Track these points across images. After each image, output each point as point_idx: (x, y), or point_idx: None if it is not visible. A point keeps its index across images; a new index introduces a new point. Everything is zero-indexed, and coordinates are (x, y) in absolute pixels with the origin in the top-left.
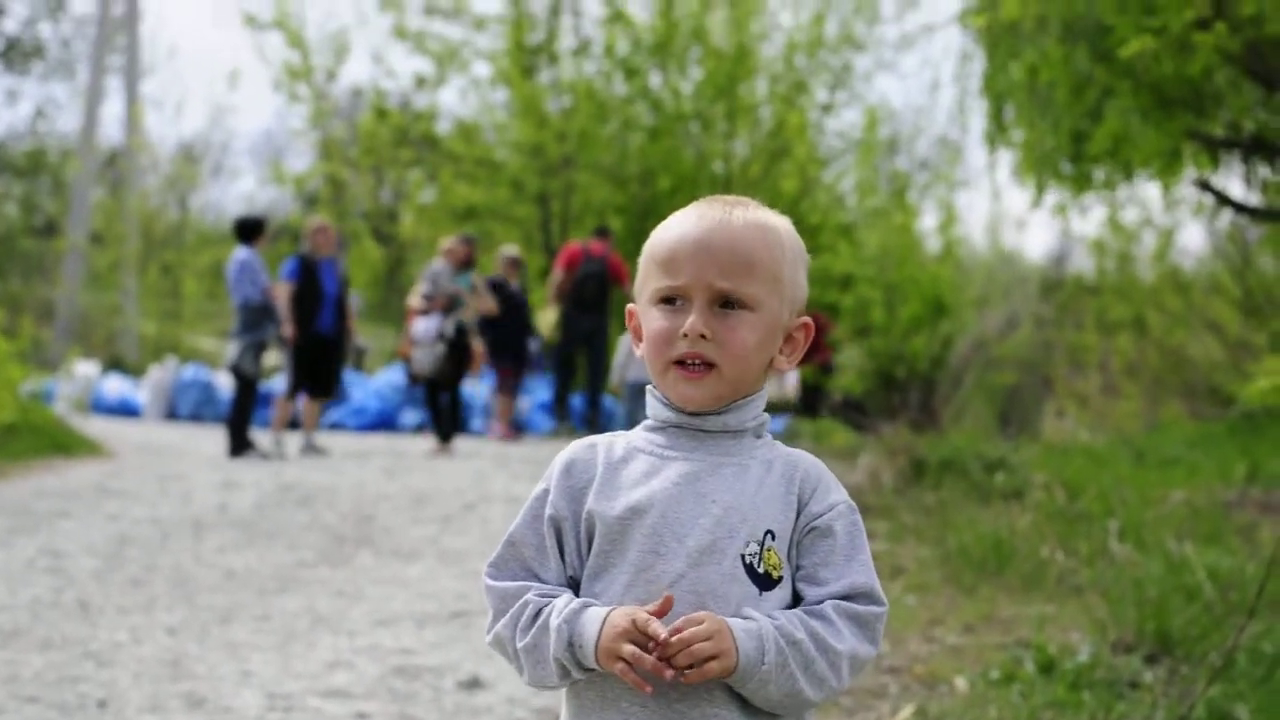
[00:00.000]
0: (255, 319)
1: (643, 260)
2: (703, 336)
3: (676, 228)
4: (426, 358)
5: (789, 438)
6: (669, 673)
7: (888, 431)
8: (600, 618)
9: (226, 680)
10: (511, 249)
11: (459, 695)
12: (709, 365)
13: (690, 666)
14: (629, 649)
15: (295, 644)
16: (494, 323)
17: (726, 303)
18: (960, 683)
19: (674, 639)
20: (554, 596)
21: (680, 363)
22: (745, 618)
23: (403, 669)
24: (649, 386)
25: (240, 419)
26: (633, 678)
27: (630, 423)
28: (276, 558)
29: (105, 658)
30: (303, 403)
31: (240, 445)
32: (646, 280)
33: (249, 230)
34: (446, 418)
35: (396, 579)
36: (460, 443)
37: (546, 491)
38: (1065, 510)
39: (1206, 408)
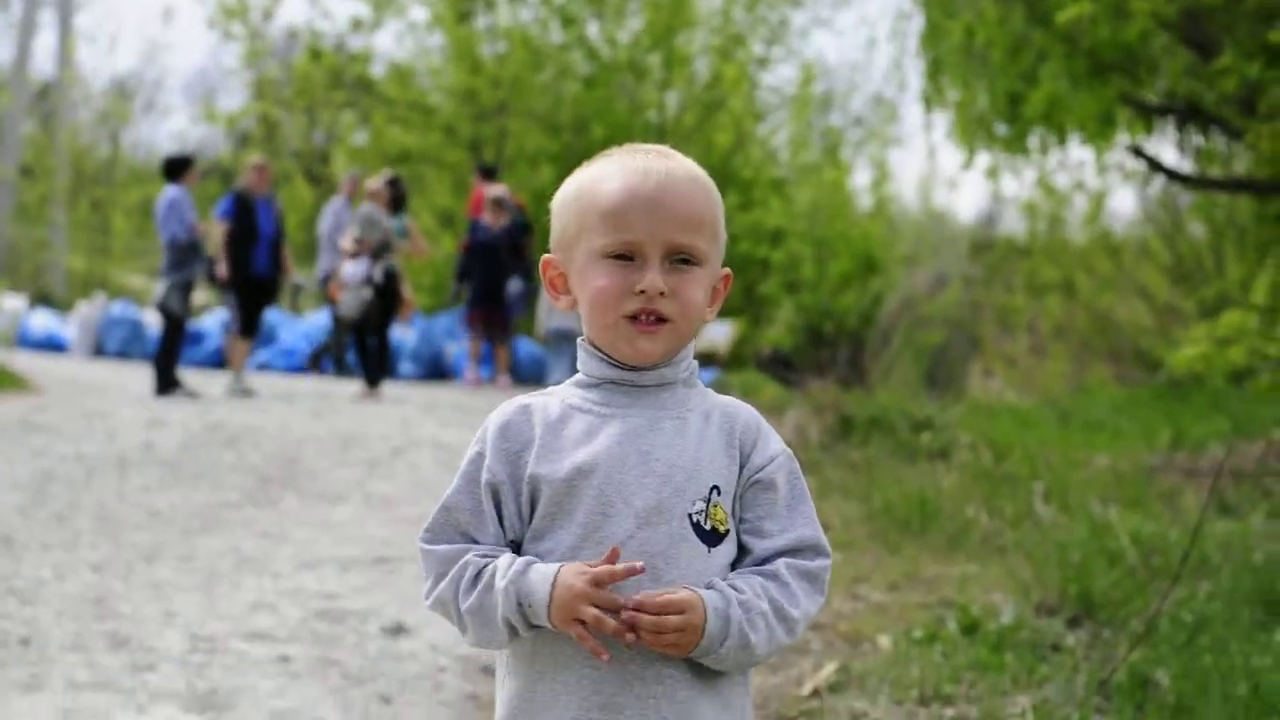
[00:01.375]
0: (182, 257)
1: (570, 210)
2: (661, 294)
3: (619, 179)
4: (353, 301)
5: (718, 390)
6: (630, 636)
7: (816, 387)
8: (549, 576)
9: (150, 620)
10: (495, 190)
11: (383, 640)
12: (662, 320)
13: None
14: (591, 612)
15: (219, 585)
16: (467, 266)
17: (679, 258)
18: (884, 641)
19: (647, 619)
20: (494, 557)
21: (634, 318)
22: (714, 588)
23: (326, 613)
24: (581, 341)
25: (167, 358)
26: (591, 643)
27: (555, 369)
28: (201, 497)
29: (28, 594)
30: (234, 342)
31: (166, 384)
32: (584, 234)
33: (177, 168)
34: (374, 362)
35: (322, 522)
36: (386, 388)
37: (481, 455)
38: (991, 471)
39: (1133, 372)
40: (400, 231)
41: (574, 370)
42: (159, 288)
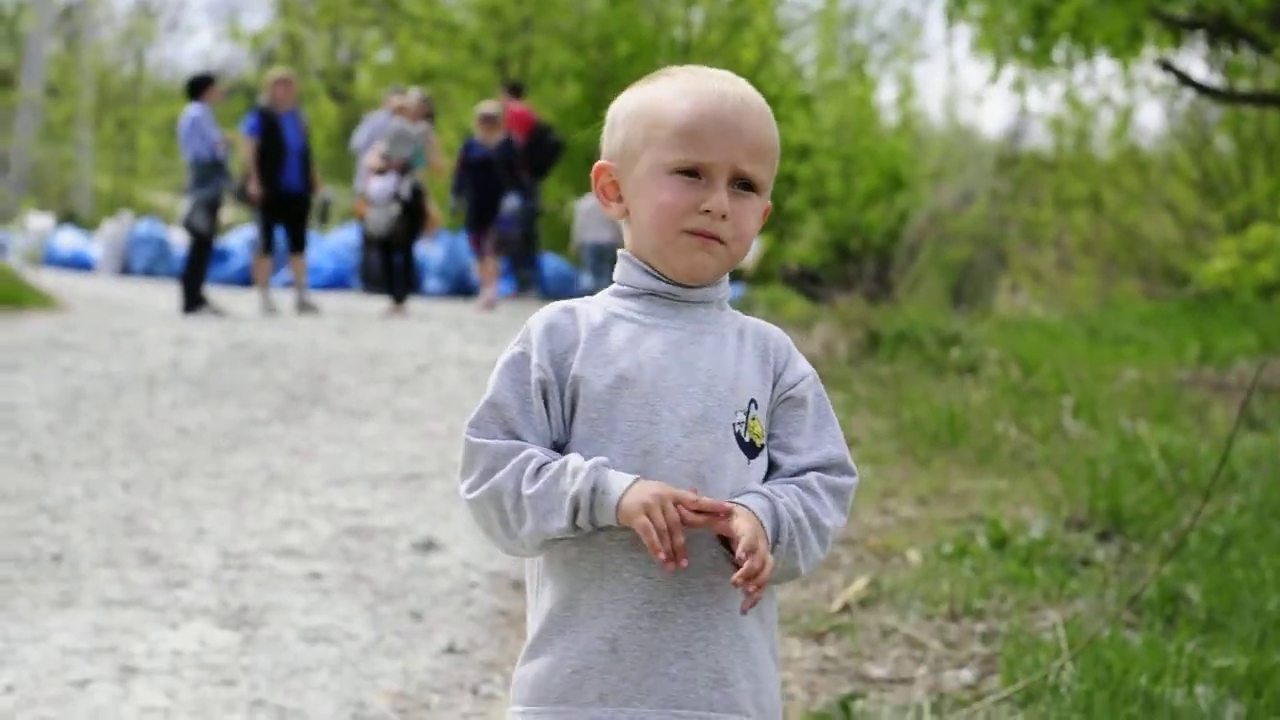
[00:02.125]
0: (206, 175)
1: (640, 121)
2: (723, 216)
3: (692, 99)
4: (381, 218)
5: (745, 306)
6: (681, 563)
7: (842, 303)
8: (626, 478)
9: (181, 537)
10: (485, 105)
11: (413, 557)
12: (721, 241)
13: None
14: (662, 519)
15: (249, 502)
16: (461, 185)
17: (743, 184)
18: (913, 555)
19: (752, 570)
20: (556, 457)
21: (693, 234)
22: (754, 492)
23: (356, 529)
24: (623, 251)
25: (193, 276)
26: (652, 539)
27: (593, 281)
28: (230, 415)
29: (60, 512)
30: (258, 260)
31: (193, 302)
32: (650, 146)
33: (199, 86)
34: (400, 279)
35: (350, 438)
36: (413, 305)
37: (525, 355)
38: (1019, 386)
39: (1161, 287)
40: (418, 149)
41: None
42: (184, 206)
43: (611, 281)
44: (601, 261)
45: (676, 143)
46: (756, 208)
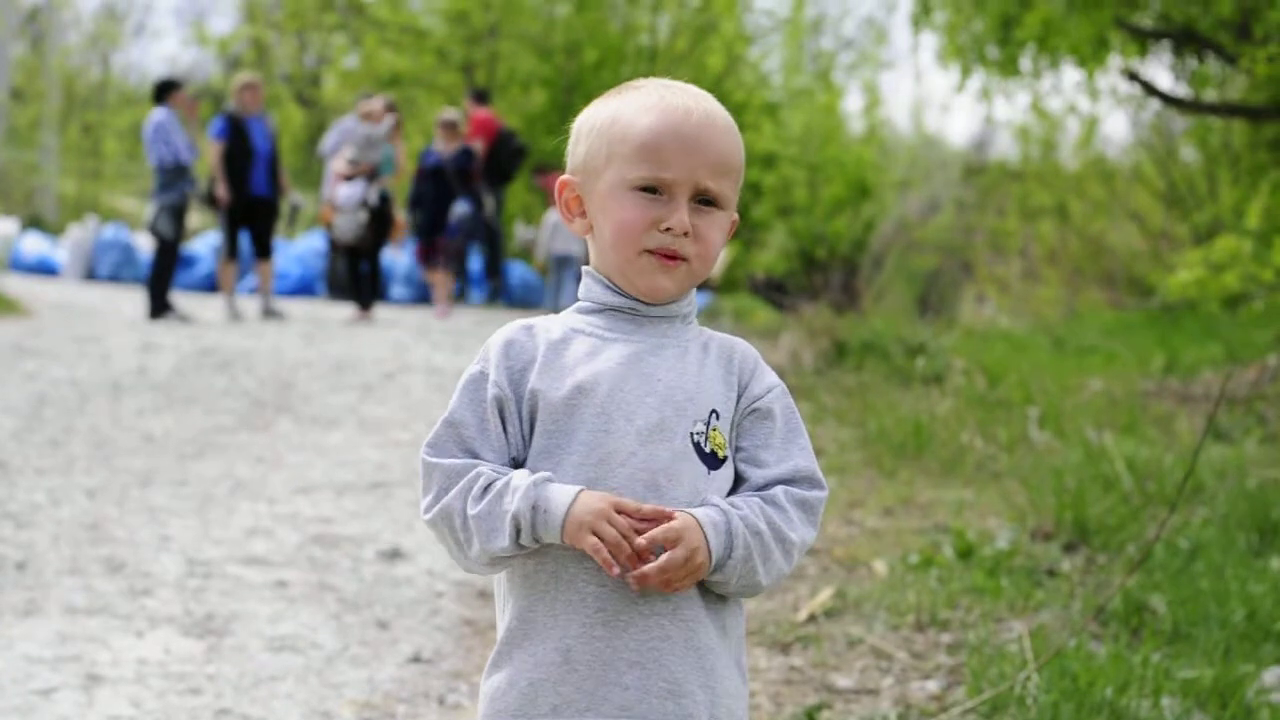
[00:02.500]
0: (170, 180)
1: (604, 138)
2: (685, 234)
3: (655, 115)
4: (349, 224)
5: (711, 315)
6: (632, 577)
7: (809, 312)
8: (570, 491)
9: (146, 545)
10: (446, 112)
11: (379, 565)
12: (682, 259)
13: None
14: (611, 531)
15: (214, 509)
16: (417, 195)
17: (705, 200)
18: (879, 566)
19: (652, 571)
20: (504, 474)
21: (653, 253)
22: (709, 504)
23: (322, 538)
24: (586, 268)
25: (158, 281)
26: (604, 556)
27: (555, 294)
28: (195, 422)
29: (23, 519)
30: (223, 266)
31: (159, 307)
32: (613, 162)
33: (164, 91)
34: (366, 286)
35: (316, 447)
36: (379, 312)
37: (484, 374)
38: (985, 396)
39: (1126, 297)
40: (388, 154)
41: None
42: (148, 211)
43: (574, 294)
44: (564, 273)
45: (638, 159)
46: (720, 223)
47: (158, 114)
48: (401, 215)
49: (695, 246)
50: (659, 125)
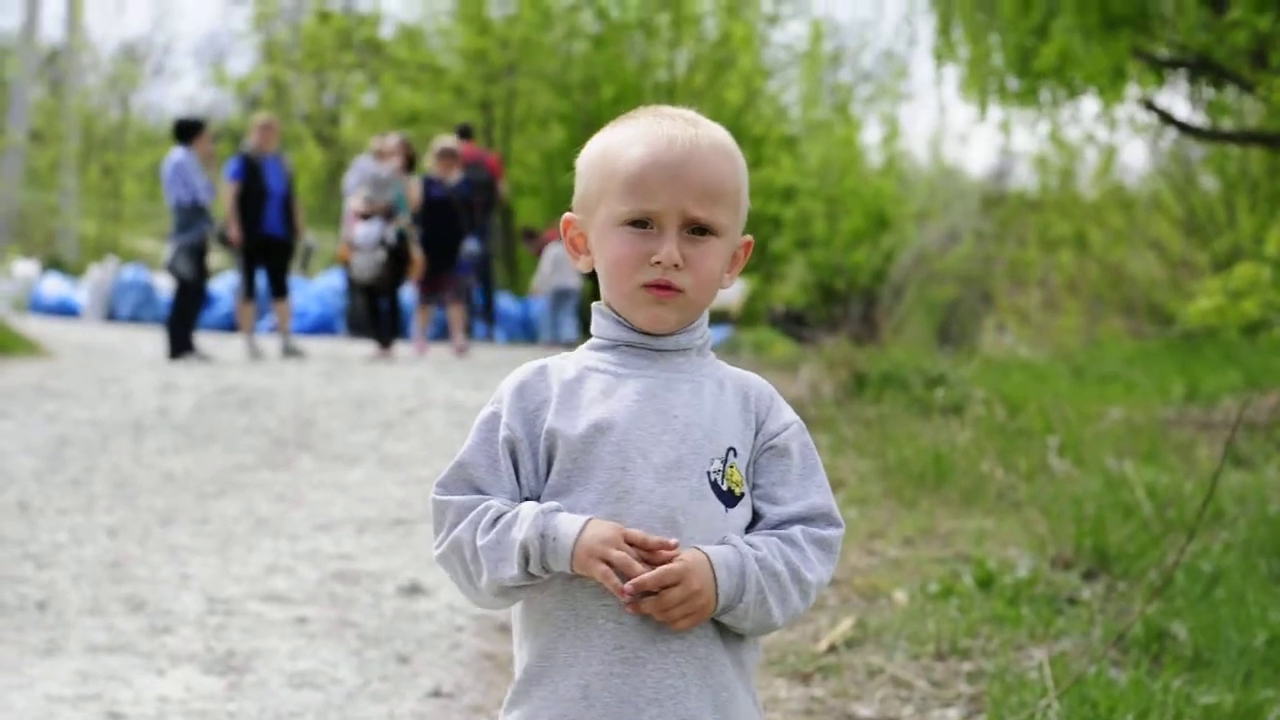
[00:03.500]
0: (188, 220)
1: (595, 172)
2: (675, 266)
3: (641, 146)
4: (367, 263)
5: (730, 348)
6: (644, 606)
7: (828, 344)
8: (578, 520)
9: (167, 583)
10: (444, 140)
11: (399, 601)
12: (677, 290)
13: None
14: (619, 554)
15: (235, 547)
16: (424, 227)
17: (697, 229)
18: (900, 596)
19: (649, 604)
20: (513, 508)
21: (648, 287)
22: (728, 543)
23: (343, 574)
24: (597, 304)
25: (178, 321)
26: (614, 581)
27: (553, 327)
28: (216, 461)
29: (45, 559)
30: (241, 306)
31: (179, 348)
32: (605, 198)
33: (185, 131)
34: (386, 323)
35: (337, 484)
36: (398, 349)
37: (497, 415)
38: (1005, 426)
39: (1146, 325)
40: (399, 194)
41: (581, 325)
42: (167, 251)
43: (568, 328)
44: (562, 307)
45: (625, 193)
46: (716, 250)
47: (177, 154)
48: (419, 254)
49: (689, 277)
50: (642, 158)
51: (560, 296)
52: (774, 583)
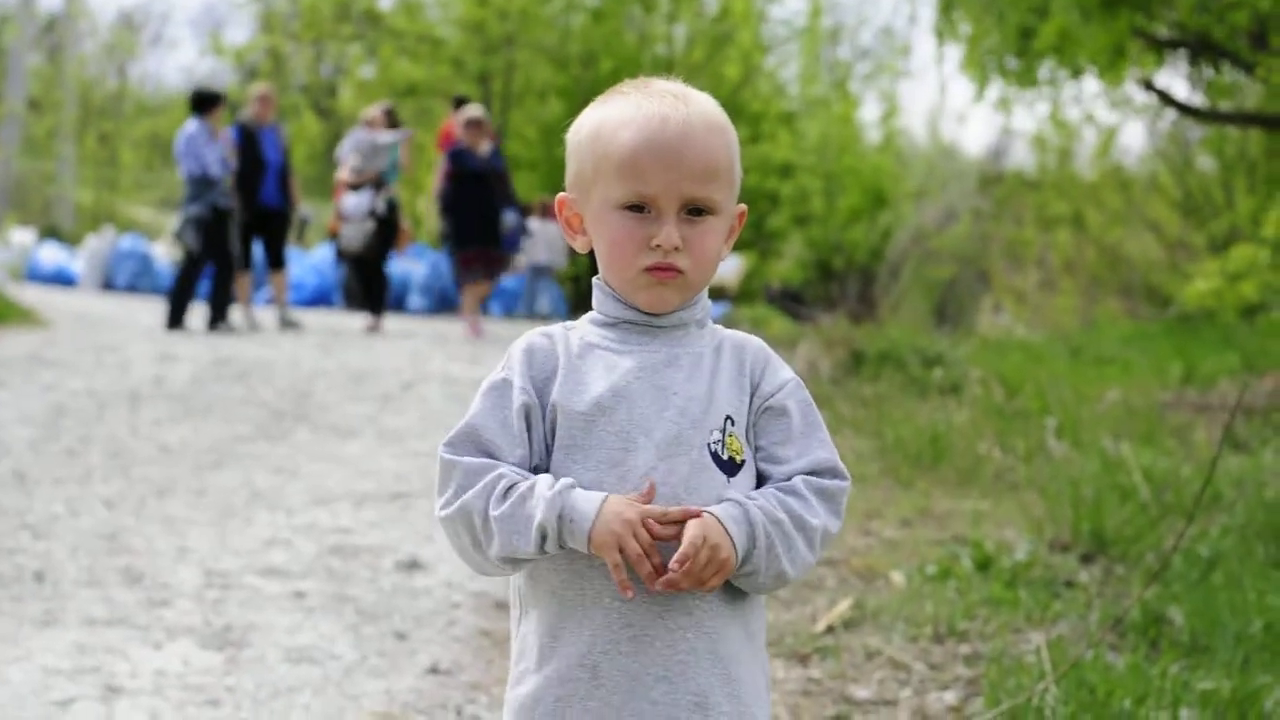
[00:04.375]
0: (198, 192)
1: (586, 154)
2: (676, 248)
3: (633, 129)
4: (356, 234)
5: (728, 325)
6: (659, 584)
7: (825, 322)
8: (595, 499)
9: (164, 555)
10: (471, 109)
11: (397, 576)
12: (678, 271)
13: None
14: (635, 546)
15: (232, 520)
16: (456, 200)
17: (695, 209)
18: (897, 577)
19: (679, 577)
20: (525, 478)
21: (649, 269)
22: (726, 500)
23: (340, 548)
24: (597, 280)
25: (180, 292)
26: (621, 575)
27: (530, 301)
28: (213, 432)
29: (42, 529)
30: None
31: (178, 318)
32: (599, 180)
33: (203, 102)
34: (376, 295)
35: (334, 457)
36: (395, 322)
37: (508, 381)
38: (1002, 406)
39: (1143, 307)
40: (393, 159)
41: (553, 303)
42: (176, 221)
43: (544, 303)
44: (539, 282)
45: (620, 177)
46: (714, 228)
47: (190, 125)
48: (408, 223)
49: (689, 258)
50: (636, 140)
51: (537, 272)
52: (778, 530)
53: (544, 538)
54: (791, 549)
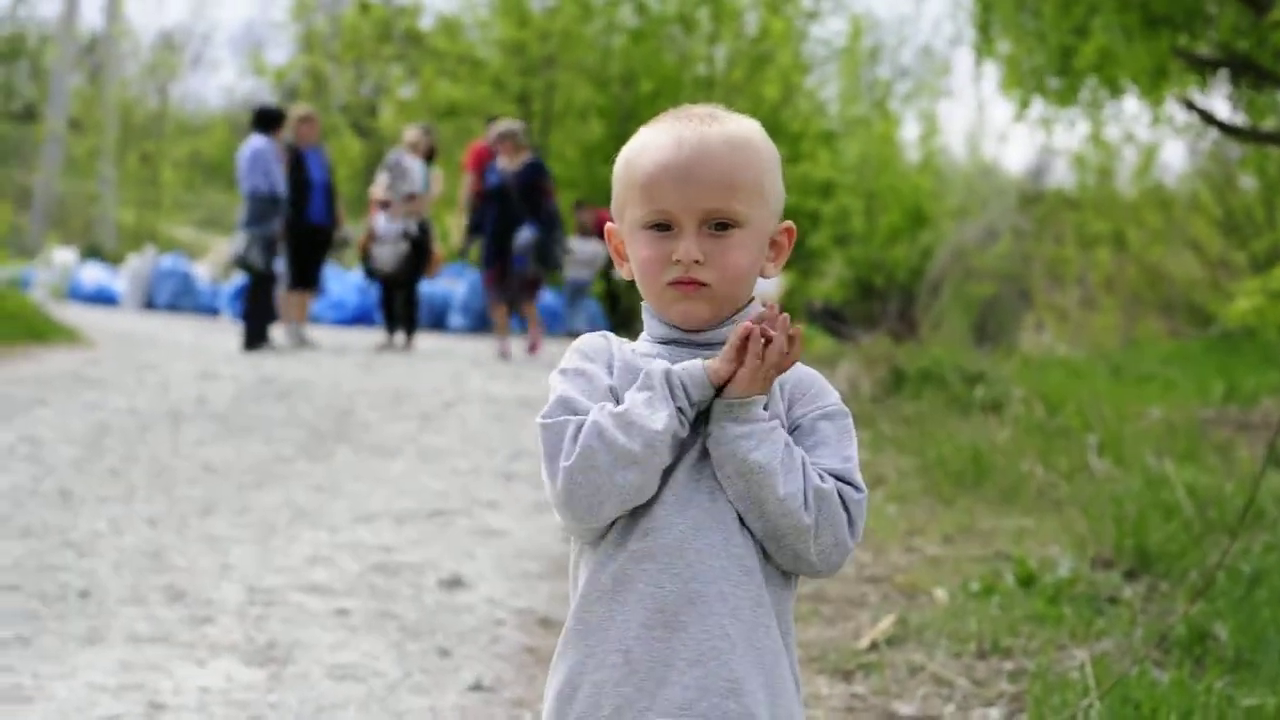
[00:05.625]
0: (263, 210)
1: (620, 181)
2: (696, 262)
3: (654, 151)
4: (389, 255)
5: None
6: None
7: (866, 340)
8: (692, 361)
9: (207, 573)
10: (505, 123)
11: (439, 594)
12: (701, 284)
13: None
14: (741, 331)
15: (275, 538)
16: (478, 219)
17: (718, 224)
18: (940, 593)
19: (777, 333)
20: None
21: (672, 284)
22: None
23: (383, 566)
24: (643, 304)
25: (254, 312)
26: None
27: (570, 320)
28: (255, 451)
29: (85, 547)
30: (286, 295)
31: (256, 339)
32: (627, 204)
33: (268, 120)
34: (403, 316)
35: (376, 475)
36: (435, 341)
37: (581, 371)
38: (1044, 424)
39: (1184, 325)
40: (424, 182)
41: (590, 320)
42: (238, 241)
43: (580, 320)
44: (577, 299)
45: (642, 198)
46: (742, 241)
47: (257, 141)
48: (440, 247)
49: (712, 271)
50: (653, 162)
51: (575, 289)
52: (787, 453)
53: (671, 388)
54: (790, 471)
